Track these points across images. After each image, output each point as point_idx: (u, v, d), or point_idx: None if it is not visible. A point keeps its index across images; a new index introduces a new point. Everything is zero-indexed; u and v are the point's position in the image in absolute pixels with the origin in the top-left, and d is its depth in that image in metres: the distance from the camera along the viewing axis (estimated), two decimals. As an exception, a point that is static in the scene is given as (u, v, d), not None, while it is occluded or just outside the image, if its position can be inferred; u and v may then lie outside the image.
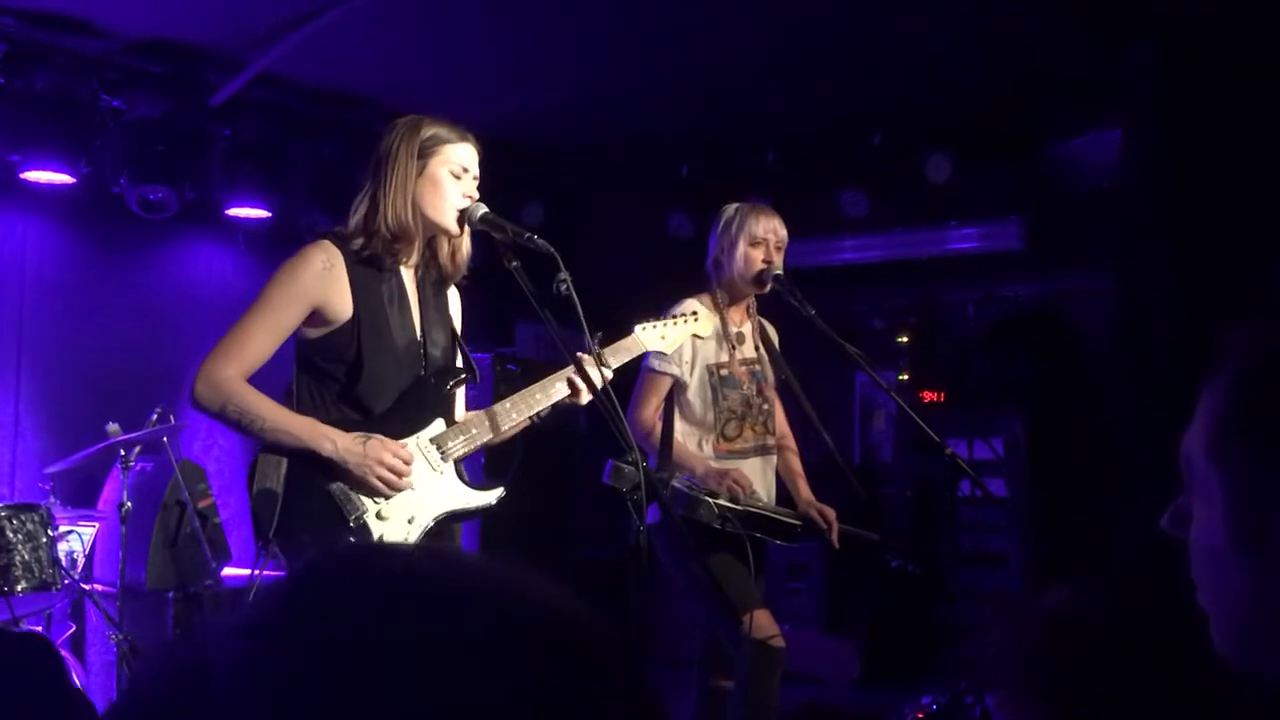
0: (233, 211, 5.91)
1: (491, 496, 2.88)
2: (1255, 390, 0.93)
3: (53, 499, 4.45)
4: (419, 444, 2.80)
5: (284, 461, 2.67)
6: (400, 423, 2.79)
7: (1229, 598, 0.95)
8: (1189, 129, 5.08)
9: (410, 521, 2.77)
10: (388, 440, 2.73)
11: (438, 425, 2.85)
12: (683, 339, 3.39)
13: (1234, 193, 4.98)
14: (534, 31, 5.16)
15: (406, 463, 2.72)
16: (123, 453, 4.46)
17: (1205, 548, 0.97)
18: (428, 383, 2.85)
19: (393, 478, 2.70)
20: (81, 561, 4.58)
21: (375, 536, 2.71)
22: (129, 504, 4.43)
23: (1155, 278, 5.26)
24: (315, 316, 2.74)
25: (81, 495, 4.94)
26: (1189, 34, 4.93)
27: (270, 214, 5.94)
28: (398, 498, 2.74)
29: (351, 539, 2.68)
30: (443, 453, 2.83)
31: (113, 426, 4.44)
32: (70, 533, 4.51)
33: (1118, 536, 5.31)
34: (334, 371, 2.76)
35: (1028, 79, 5.60)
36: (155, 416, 4.57)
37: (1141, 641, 1.10)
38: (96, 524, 4.71)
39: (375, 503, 2.72)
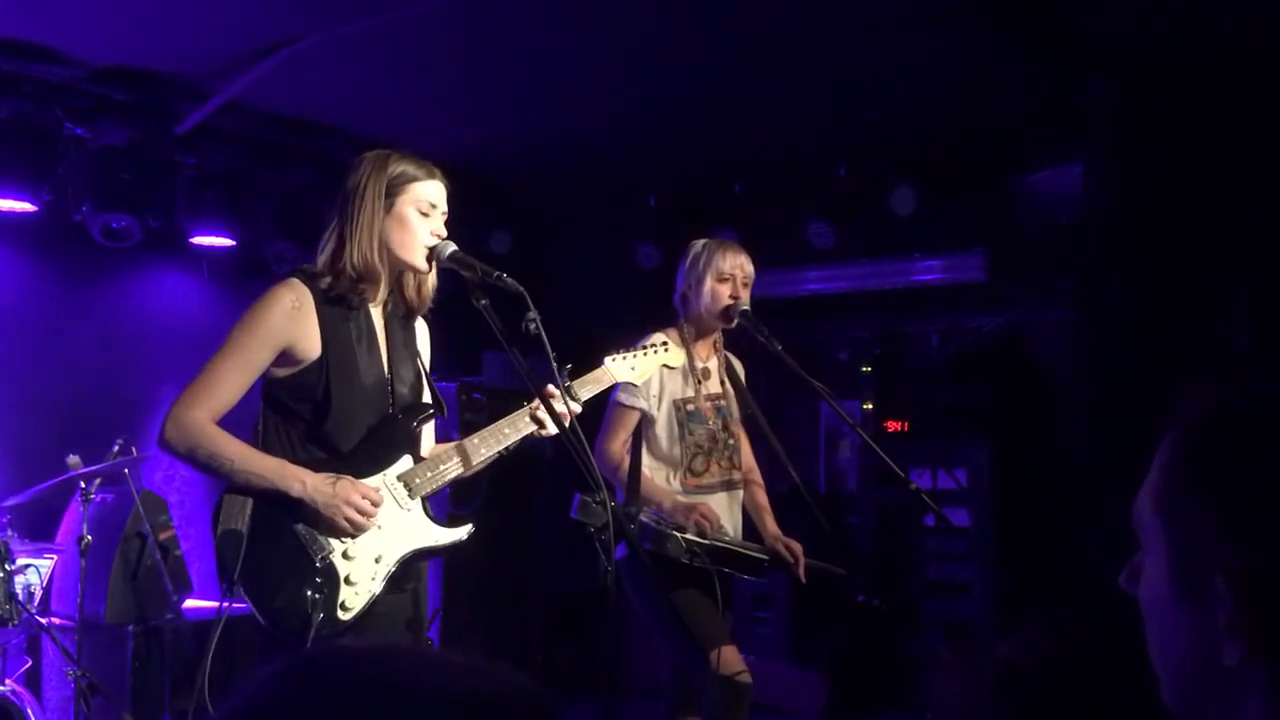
0: (197, 240, 5.87)
1: (459, 533, 2.87)
2: (1199, 448, 0.97)
3: (10, 532, 4.38)
4: (386, 481, 2.79)
5: (249, 502, 2.66)
6: (368, 461, 2.78)
7: (1172, 651, 0.99)
8: (1149, 163, 5.16)
9: (377, 561, 2.75)
10: (357, 481, 2.72)
11: (405, 462, 2.83)
12: (653, 369, 3.39)
13: (1192, 226, 5.06)
14: (501, 62, 5.17)
15: (375, 504, 2.71)
16: (83, 485, 4.39)
17: (1151, 602, 1.01)
18: (395, 420, 2.84)
19: (359, 519, 2.68)
20: (39, 595, 4.51)
21: (342, 576, 2.69)
22: (89, 536, 4.36)
23: (1115, 310, 5.33)
24: (284, 356, 2.73)
25: (40, 528, 4.87)
26: (1149, 69, 5.01)
27: (235, 243, 5.90)
28: (365, 536, 2.72)
29: (318, 579, 2.66)
30: (410, 490, 2.81)
31: (73, 459, 4.38)
32: (28, 566, 4.43)
33: (1080, 566, 5.35)
34: (302, 411, 2.75)
35: (991, 113, 5.68)
36: (117, 448, 4.51)
37: (1087, 693, 1.13)
38: (55, 557, 4.63)
39: (342, 542, 2.71)
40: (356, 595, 2.70)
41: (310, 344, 2.72)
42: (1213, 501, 0.94)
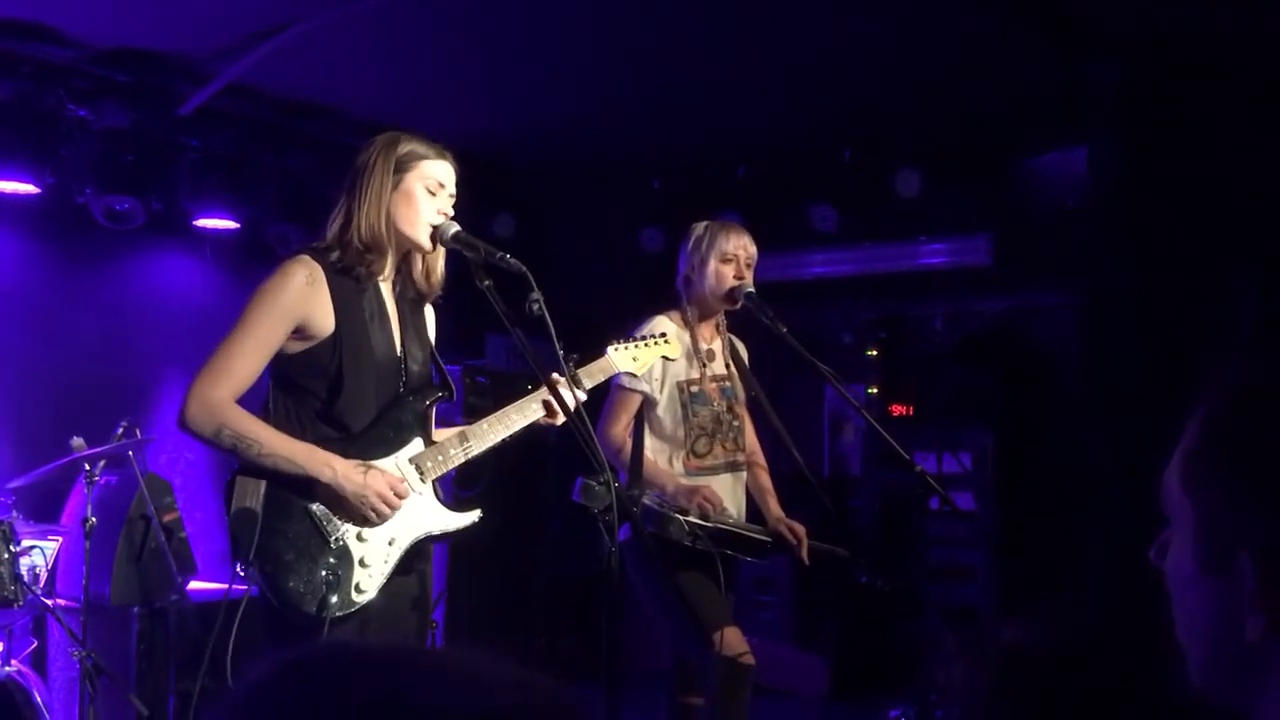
0: (200, 222, 5.86)
1: (469, 518, 2.87)
2: (1227, 423, 0.97)
3: (15, 514, 4.38)
4: (398, 464, 2.79)
5: (263, 482, 2.64)
6: (379, 441, 2.77)
7: (1197, 625, 0.99)
8: (1154, 147, 5.14)
9: (390, 543, 2.75)
10: (386, 471, 2.72)
11: (416, 445, 2.83)
12: (653, 361, 3.40)
13: (1197, 210, 5.05)
14: (505, 44, 5.15)
15: (401, 495, 2.72)
16: (87, 467, 4.40)
17: (1176, 576, 1.01)
18: (406, 400, 2.83)
19: (385, 510, 2.69)
20: (44, 576, 4.51)
21: (356, 558, 2.69)
22: (93, 518, 4.36)
23: (1120, 294, 5.32)
24: (297, 332, 2.72)
25: (45, 509, 4.87)
26: (1154, 53, 4.99)
27: (238, 225, 5.89)
28: None
29: (332, 560, 2.66)
30: (422, 474, 2.81)
31: (77, 441, 4.38)
32: (33, 548, 4.44)
33: (1084, 551, 5.35)
34: (314, 388, 2.74)
35: (996, 96, 5.65)
36: (121, 430, 4.51)
37: (1093, 680, 1.12)
38: (59, 539, 4.64)
39: (356, 524, 2.71)
40: (370, 578, 2.70)
41: (323, 320, 2.71)
42: (1239, 476, 0.94)
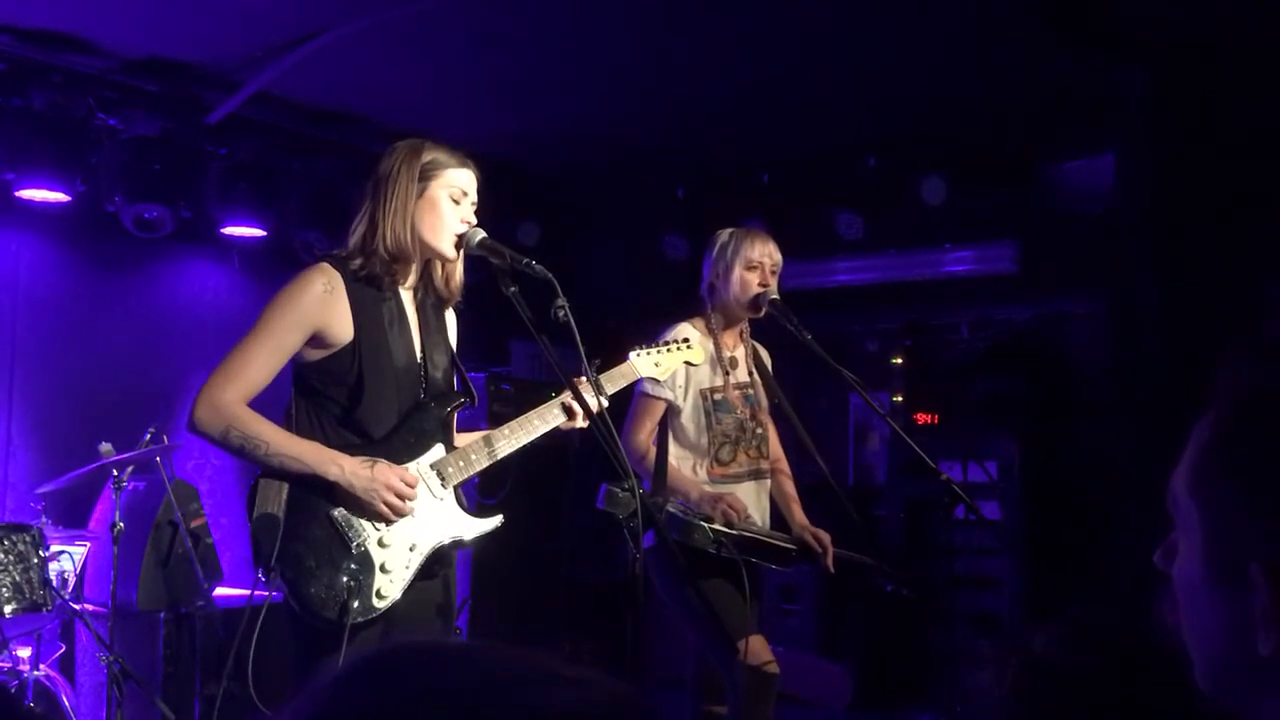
0: (228, 230, 5.91)
1: (491, 524, 2.87)
2: (1236, 430, 0.94)
3: (44, 519, 4.43)
4: (420, 469, 2.79)
5: (285, 486, 2.65)
6: (400, 447, 2.78)
7: (1206, 634, 0.96)
8: (1181, 153, 5.11)
9: (411, 549, 2.75)
10: (394, 465, 2.72)
11: (438, 450, 2.83)
12: (676, 366, 3.39)
13: (1224, 217, 5.01)
14: (530, 53, 5.17)
15: (412, 487, 2.71)
16: (115, 472, 4.43)
17: (1185, 583, 0.98)
18: (428, 406, 2.84)
19: (398, 503, 2.68)
20: (72, 581, 4.55)
21: (377, 563, 2.69)
22: (121, 524, 4.40)
23: (1147, 302, 5.28)
24: (315, 339, 2.73)
25: (73, 515, 4.92)
26: (1181, 58, 4.96)
27: (265, 233, 5.93)
28: (399, 524, 2.73)
29: (353, 566, 2.67)
30: (443, 479, 2.82)
31: (106, 446, 4.42)
32: (61, 553, 4.48)
33: (1111, 560, 5.31)
34: (334, 395, 2.75)
35: (1022, 103, 5.63)
36: (148, 436, 4.55)
37: (1115, 691, 1.10)
38: (88, 544, 4.68)
39: (377, 529, 2.71)
40: (392, 583, 2.71)
41: (342, 328, 2.73)
42: (1251, 486, 0.91)
